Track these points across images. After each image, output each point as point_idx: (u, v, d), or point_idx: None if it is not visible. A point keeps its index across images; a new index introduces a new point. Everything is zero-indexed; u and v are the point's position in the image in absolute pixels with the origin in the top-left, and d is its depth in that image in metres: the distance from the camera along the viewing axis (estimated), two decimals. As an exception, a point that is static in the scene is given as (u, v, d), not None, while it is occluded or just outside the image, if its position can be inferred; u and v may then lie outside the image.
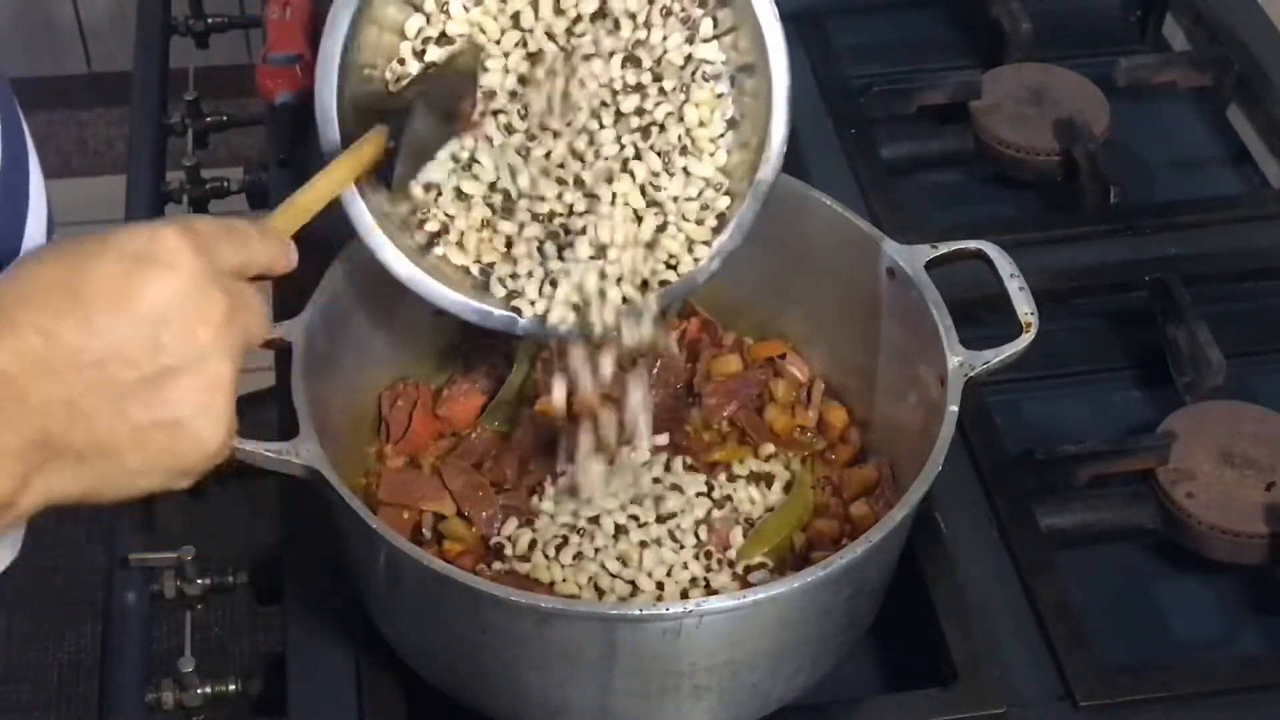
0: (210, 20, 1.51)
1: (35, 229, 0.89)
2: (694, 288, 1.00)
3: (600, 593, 0.96)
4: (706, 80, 0.98)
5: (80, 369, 0.67)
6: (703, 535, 0.99)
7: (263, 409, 1.03)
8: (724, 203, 0.98)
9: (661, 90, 0.97)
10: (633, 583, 0.96)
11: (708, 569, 0.97)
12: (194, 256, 0.70)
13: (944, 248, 1.03)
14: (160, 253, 0.70)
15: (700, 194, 0.98)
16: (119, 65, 1.65)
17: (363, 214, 0.94)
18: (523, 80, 0.96)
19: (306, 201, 0.85)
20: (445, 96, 0.95)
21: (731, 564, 0.98)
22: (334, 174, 0.89)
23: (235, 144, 1.62)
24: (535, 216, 0.96)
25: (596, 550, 0.97)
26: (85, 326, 0.67)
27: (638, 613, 0.87)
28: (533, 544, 0.98)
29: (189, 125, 1.41)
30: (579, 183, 0.96)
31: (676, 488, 1.01)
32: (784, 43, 0.97)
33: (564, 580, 0.96)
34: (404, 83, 0.95)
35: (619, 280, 0.96)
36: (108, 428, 0.68)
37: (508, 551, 0.98)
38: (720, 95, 0.99)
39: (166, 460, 0.71)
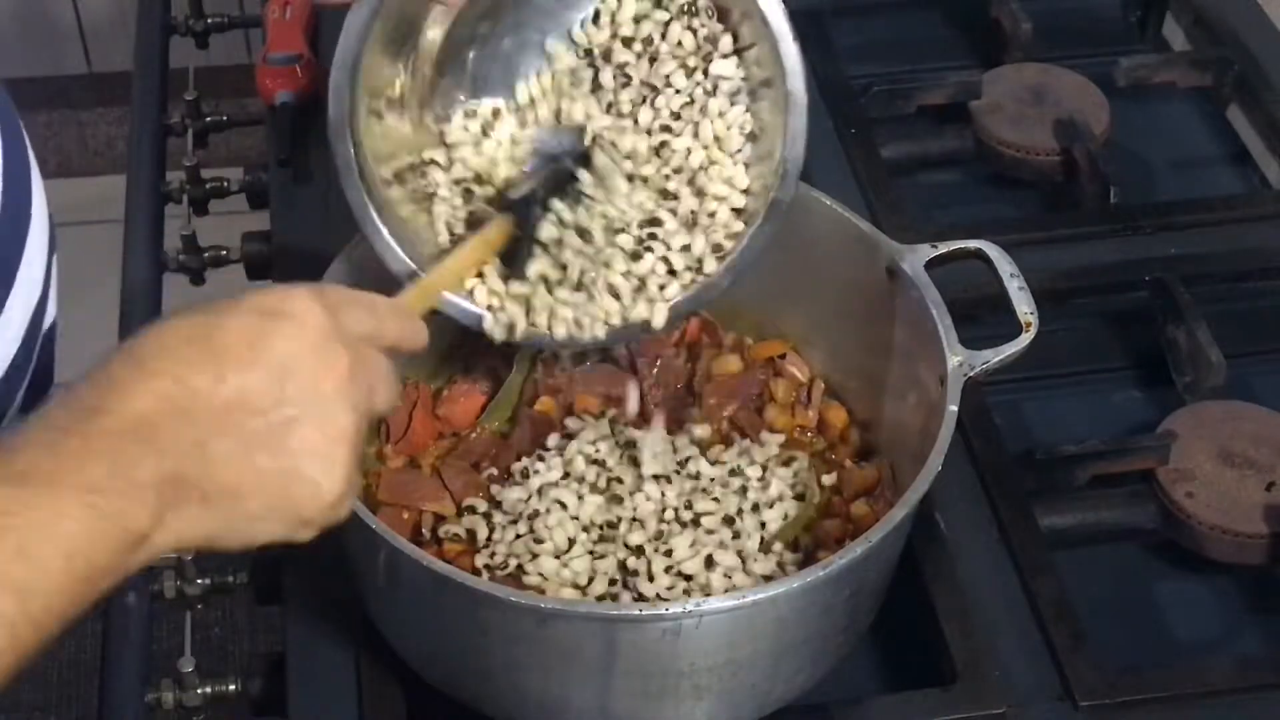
0: (210, 20, 1.51)
1: (37, 247, 0.90)
2: (706, 303, 1.00)
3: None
4: (723, 96, 0.98)
5: (210, 414, 0.71)
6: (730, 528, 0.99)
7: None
8: (738, 226, 0.98)
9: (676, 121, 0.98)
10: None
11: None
12: (322, 315, 0.74)
13: (944, 247, 1.03)
14: (290, 310, 0.74)
15: (714, 214, 0.98)
16: (119, 65, 1.65)
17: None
18: None
19: (437, 283, 0.93)
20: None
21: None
22: (464, 257, 0.96)
23: (235, 144, 1.62)
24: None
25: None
26: (217, 375, 0.71)
27: (637, 613, 0.87)
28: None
29: (189, 125, 1.41)
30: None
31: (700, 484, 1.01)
32: (801, 63, 0.96)
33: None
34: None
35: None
36: (233, 471, 0.72)
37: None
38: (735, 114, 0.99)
39: (286, 507, 0.74)
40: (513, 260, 0.97)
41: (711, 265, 0.98)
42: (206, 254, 1.31)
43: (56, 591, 0.66)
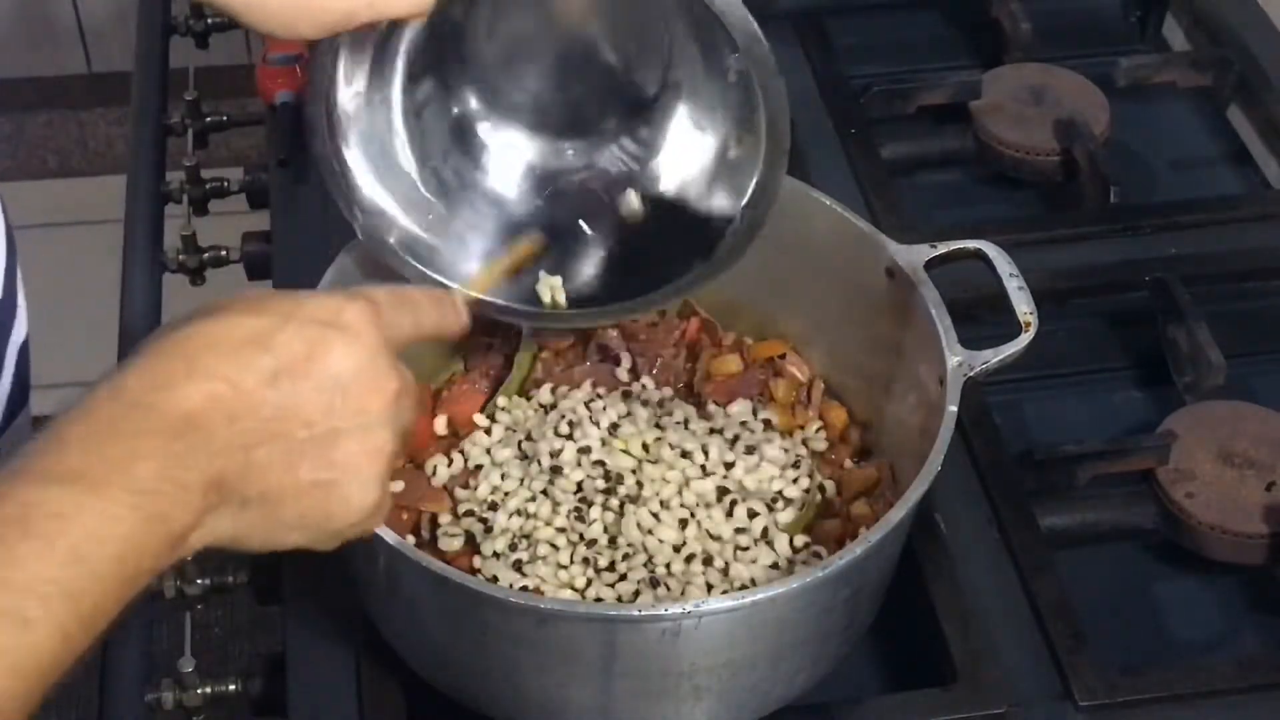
0: (210, 20, 1.51)
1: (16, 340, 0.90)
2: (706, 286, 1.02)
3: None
4: None
5: (261, 421, 0.71)
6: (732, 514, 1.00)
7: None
8: None
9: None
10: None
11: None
12: (375, 330, 0.75)
13: (943, 247, 1.03)
14: (346, 323, 0.74)
15: None
16: (119, 65, 1.65)
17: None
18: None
19: (479, 282, 0.98)
20: None
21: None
22: (497, 268, 1.01)
23: (235, 144, 1.62)
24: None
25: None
26: (270, 383, 0.72)
27: (637, 614, 0.87)
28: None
29: (189, 125, 1.41)
30: None
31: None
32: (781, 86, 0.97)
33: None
34: None
35: None
36: (276, 479, 0.72)
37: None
38: None
39: (317, 518, 0.75)
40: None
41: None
42: (206, 254, 1.31)
43: (106, 593, 0.66)
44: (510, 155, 1.05)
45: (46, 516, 0.65)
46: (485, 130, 1.05)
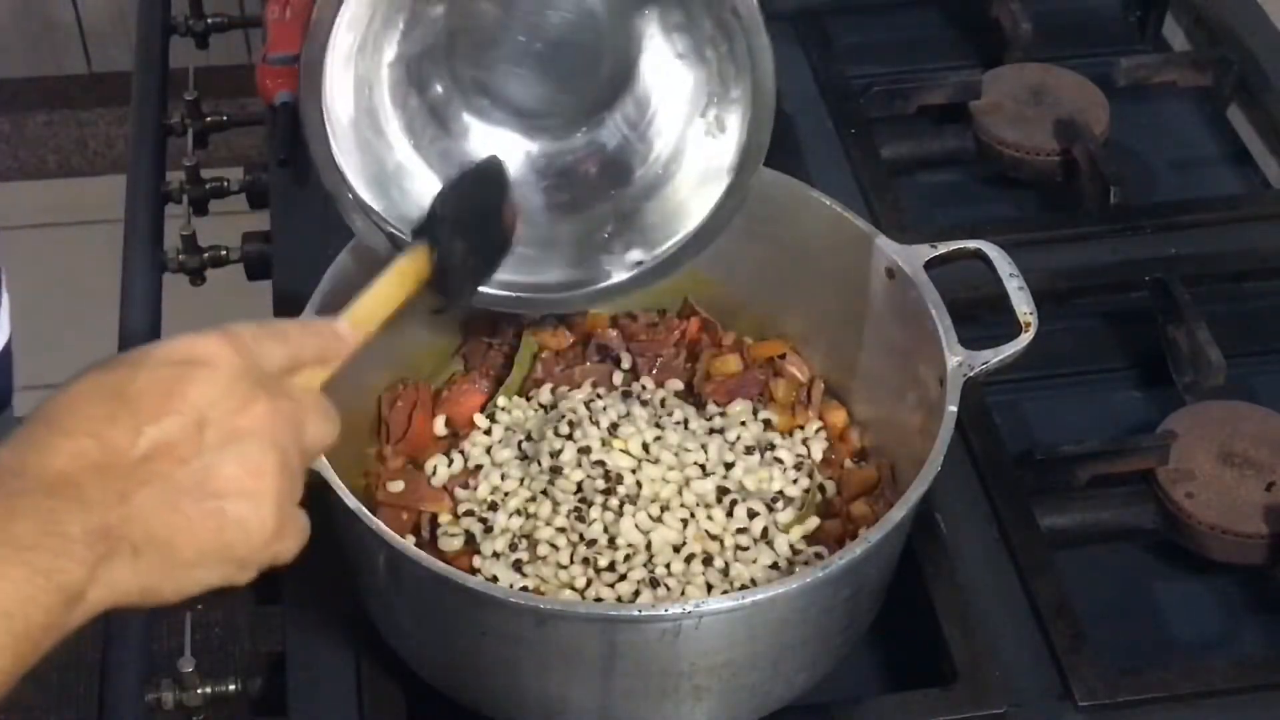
0: (210, 20, 1.51)
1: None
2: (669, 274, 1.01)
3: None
4: None
5: (130, 467, 0.70)
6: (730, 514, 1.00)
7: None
8: None
9: None
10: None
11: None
12: (233, 355, 0.74)
13: (943, 247, 1.03)
14: (200, 356, 0.74)
15: None
16: (119, 65, 1.65)
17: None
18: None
19: (359, 316, 0.89)
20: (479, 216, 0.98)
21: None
22: (380, 292, 0.91)
23: (235, 144, 1.62)
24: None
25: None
26: (133, 428, 0.71)
27: (637, 614, 0.87)
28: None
29: (189, 125, 1.41)
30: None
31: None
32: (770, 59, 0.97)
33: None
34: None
35: None
36: (160, 521, 0.71)
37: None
38: None
39: (218, 551, 0.73)
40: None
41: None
42: (206, 254, 1.31)
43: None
44: (501, 140, 1.05)
45: None
46: (472, 118, 1.04)
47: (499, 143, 1.04)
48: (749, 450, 1.03)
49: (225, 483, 0.72)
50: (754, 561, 0.98)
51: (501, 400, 1.08)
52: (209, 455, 0.72)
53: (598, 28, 1.01)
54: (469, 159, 1.03)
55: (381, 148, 1.01)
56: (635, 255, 1.03)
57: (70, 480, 0.69)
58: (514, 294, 1.03)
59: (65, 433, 0.70)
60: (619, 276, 1.04)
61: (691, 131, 1.03)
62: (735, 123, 1.00)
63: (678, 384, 1.09)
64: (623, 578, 0.96)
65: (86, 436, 0.70)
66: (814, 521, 1.01)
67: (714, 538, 0.99)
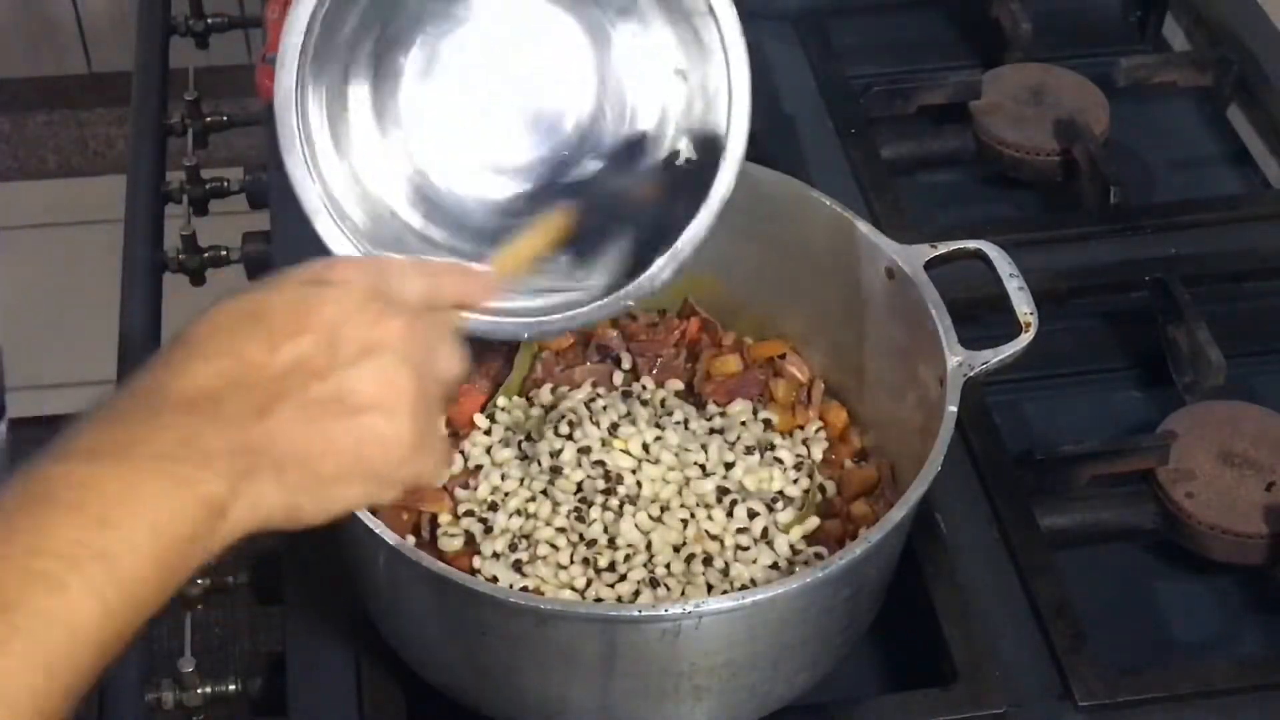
0: (210, 20, 1.51)
1: None
2: (649, 294, 0.98)
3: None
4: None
5: (268, 382, 0.72)
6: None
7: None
8: None
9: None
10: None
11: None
12: (368, 276, 0.76)
13: (943, 247, 1.03)
14: (334, 277, 0.75)
15: None
16: (119, 65, 1.65)
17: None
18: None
19: (504, 263, 0.90)
20: None
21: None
22: (524, 244, 0.92)
23: (235, 144, 1.62)
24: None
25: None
26: (269, 345, 0.72)
27: (637, 614, 0.87)
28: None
29: (189, 125, 1.41)
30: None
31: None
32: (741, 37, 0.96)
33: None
34: None
35: None
36: (299, 435, 0.72)
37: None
38: None
39: (359, 466, 0.74)
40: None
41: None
42: (206, 254, 1.31)
43: (143, 560, 0.66)
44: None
45: (70, 487, 0.66)
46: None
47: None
48: (749, 450, 1.03)
49: (360, 397, 0.73)
50: (754, 561, 0.98)
51: (501, 400, 1.08)
52: (344, 370, 0.73)
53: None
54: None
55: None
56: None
57: (209, 397, 0.70)
58: (524, 319, 0.98)
59: (203, 354, 0.72)
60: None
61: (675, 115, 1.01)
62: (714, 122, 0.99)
63: (678, 384, 1.09)
64: (623, 578, 0.96)
65: (224, 356, 0.71)
66: (814, 521, 1.01)
67: (714, 538, 0.99)
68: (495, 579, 0.95)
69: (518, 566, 0.96)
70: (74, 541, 0.64)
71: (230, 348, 0.72)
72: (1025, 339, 0.98)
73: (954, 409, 0.93)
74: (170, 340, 0.73)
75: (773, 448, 1.04)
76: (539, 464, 1.00)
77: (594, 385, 1.08)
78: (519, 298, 0.96)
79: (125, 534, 0.66)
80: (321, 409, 0.72)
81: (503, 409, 1.07)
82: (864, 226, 1.05)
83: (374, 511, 0.94)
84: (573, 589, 0.95)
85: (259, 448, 0.71)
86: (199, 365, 0.71)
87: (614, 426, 1.02)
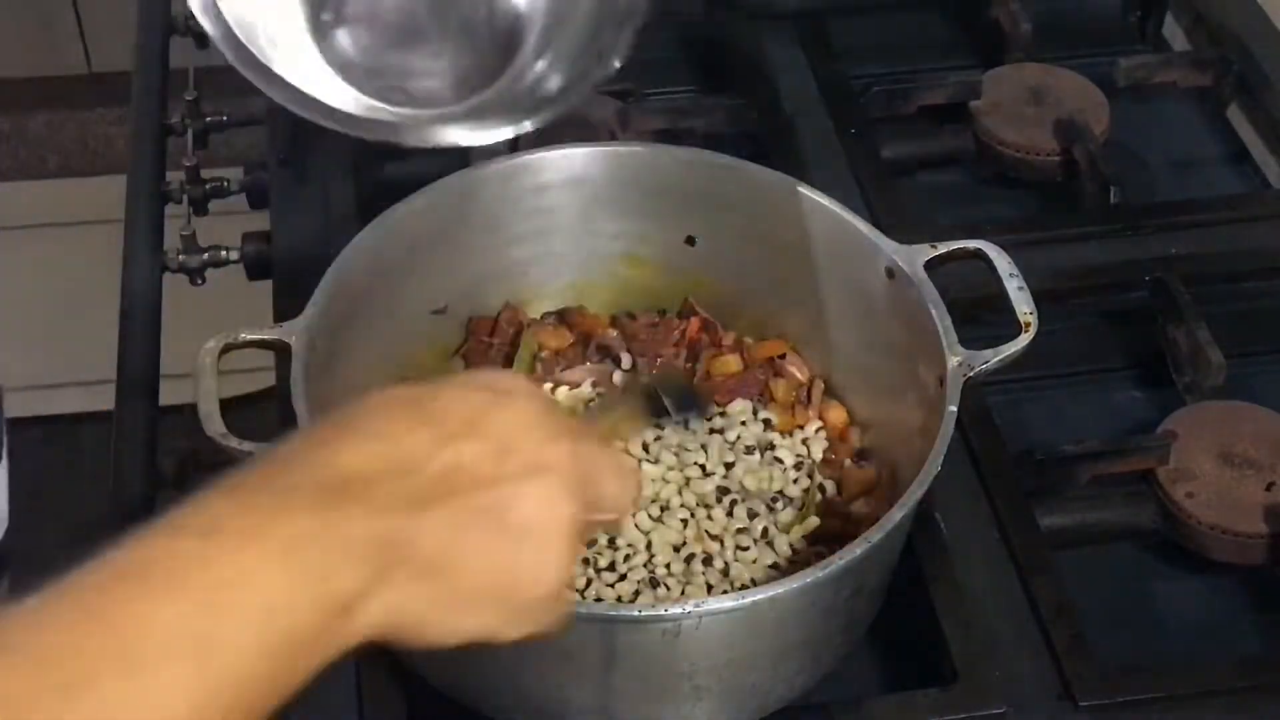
0: (210, 20, 1.51)
1: None
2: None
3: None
4: None
5: (428, 476, 0.66)
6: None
7: (263, 409, 1.04)
8: None
9: None
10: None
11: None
12: (543, 398, 0.71)
13: (943, 247, 1.03)
14: (511, 388, 0.70)
15: None
16: (119, 65, 1.65)
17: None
18: None
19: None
20: None
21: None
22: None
23: (235, 144, 1.62)
24: None
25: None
26: (436, 439, 0.66)
27: (637, 614, 0.87)
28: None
29: (189, 125, 1.41)
30: None
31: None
32: None
33: None
34: None
35: None
36: (450, 539, 0.66)
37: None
38: None
39: (502, 591, 0.68)
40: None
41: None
42: (206, 254, 1.31)
43: (253, 654, 0.58)
44: None
45: (175, 562, 0.59)
46: None
47: None
48: (749, 450, 1.03)
49: (519, 515, 0.67)
50: (754, 561, 0.98)
51: None
52: (510, 485, 0.67)
53: None
54: None
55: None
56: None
57: (362, 478, 0.64)
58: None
59: (360, 434, 0.65)
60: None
61: None
62: None
63: None
64: (623, 578, 0.96)
65: (384, 440, 0.65)
66: (814, 521, 1.01)
67: (714, 538, 0.99)
68: None
69: None
70: (170, 624, 0.57)
71: (392, 432, 0.66)
72: (1025, 339, 0.98)
73: (954, 409, 0.93)
74: (320, 420, 0.67)
75: (773, 447, 1.04)
76: None
77: (594, 385, 1.08)
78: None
79: (233, 623, 0.58)
80: (476, 518, 0.66)
81: None
82: (864, 226, 1.05)
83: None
84: (573, 589, 0.95)
85: (405, 543, 0.64)
86: (354, 443, 0.65)
87: None
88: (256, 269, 1.29)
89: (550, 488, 0.68)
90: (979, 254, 1.03)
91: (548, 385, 1.08)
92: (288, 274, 1.22)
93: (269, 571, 0.60)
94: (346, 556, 0.62)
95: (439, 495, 0.65)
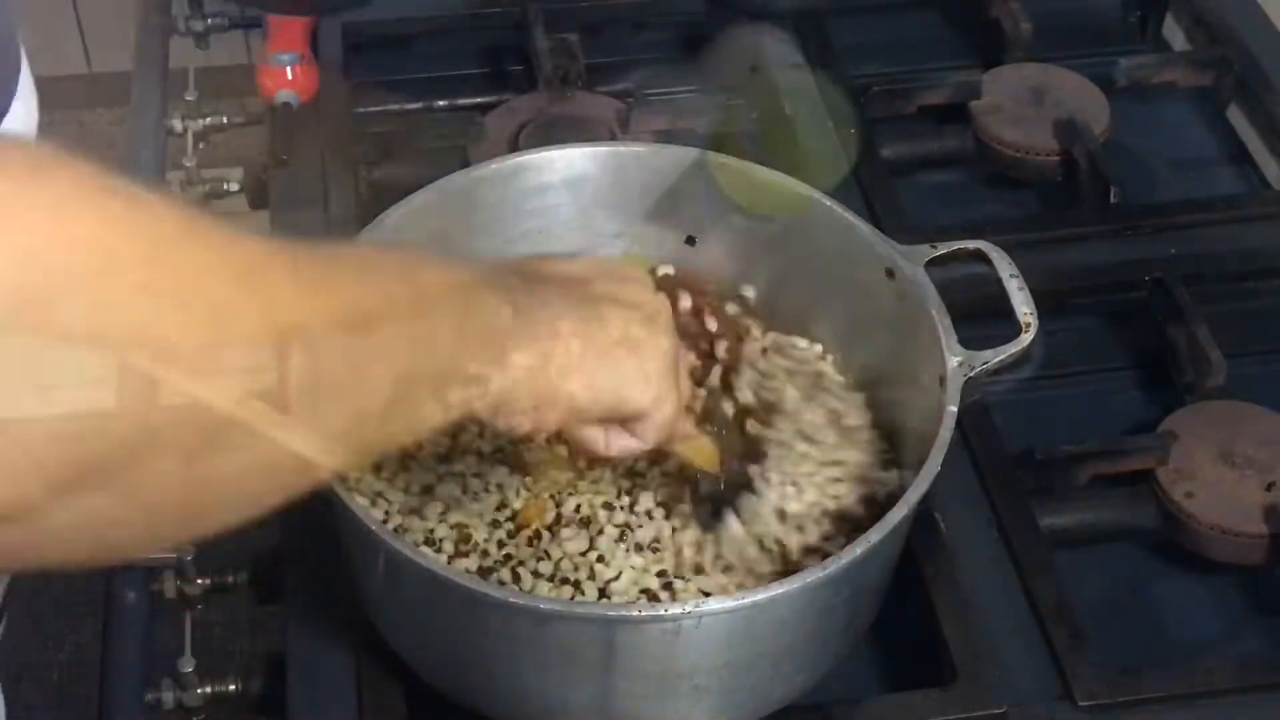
0: (210, 20, 1.51)
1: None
2: None
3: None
4: None
5: (585, 294, 0.82)
6: None
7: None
8: None
9: None
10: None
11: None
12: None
13: (943, 247, 1.03)
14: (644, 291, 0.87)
15: None
16: (119, 65, 1.65)
17: None
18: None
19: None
20: None
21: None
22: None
23: (235, 144, 1.62)
24: None
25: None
26: (589, 279, 0.83)
27: (637, 613, 0.87)
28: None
29: (189, 125, 1.41)
30: None
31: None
32: None
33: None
34: None
35: None
36: (583, 331, 0.79)
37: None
38: None
39: (606, 389, 0.81)
40: None
41: None
42: (206, 254, 1.30)
43: (449, 348, 0.71)
44: None
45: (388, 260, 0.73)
46: None
47: None
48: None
49: (630, 335, 0.81)
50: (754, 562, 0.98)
51: None
52: (620, 310, 0.82)
53: None
54: None
55: None
56: None
57: (521, 273, 0.80)
58: None
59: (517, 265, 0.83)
60: None
61: None
62: None
63: None
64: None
65: (548, 264, 0.84)
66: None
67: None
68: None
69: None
70: (381, 283, 0.68)
71: (556, 268, 0.83)
72: (1025, 339, 0.98)
73: (954, 409, 0.93)
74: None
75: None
76: None
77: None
78: None
79: (440, 318, 0.71)
80: (590, 327, 0.79)
81: None
82: (864, 226, 1.05)
83: (374, 511, 0.94)
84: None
85: (546, 333, 0.77)
86: (509, 267, 0.81)
87: None
88: (256, 269, 1.29)
89: (655, 324, 0.83)
90: (979, 254, 1.03)
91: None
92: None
93: (462, 274, 0.75)
94: (509, 296, 0.76)
95: (592, 303, 0.81)
